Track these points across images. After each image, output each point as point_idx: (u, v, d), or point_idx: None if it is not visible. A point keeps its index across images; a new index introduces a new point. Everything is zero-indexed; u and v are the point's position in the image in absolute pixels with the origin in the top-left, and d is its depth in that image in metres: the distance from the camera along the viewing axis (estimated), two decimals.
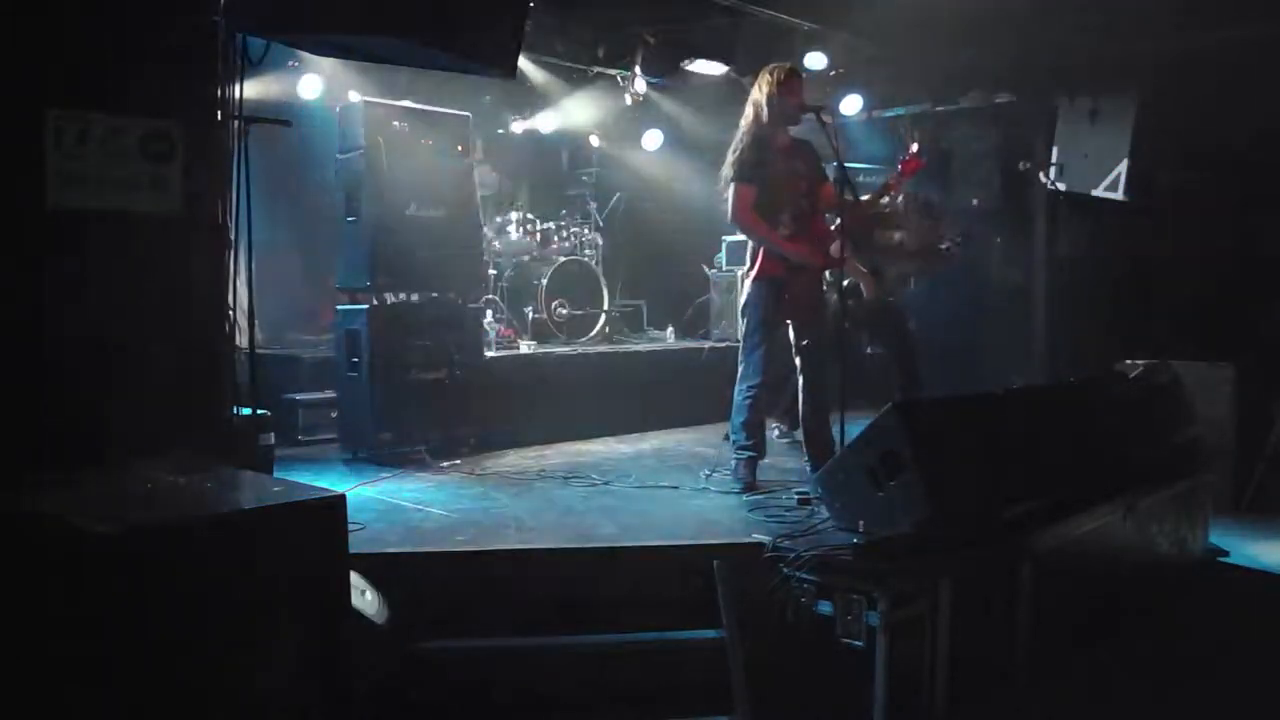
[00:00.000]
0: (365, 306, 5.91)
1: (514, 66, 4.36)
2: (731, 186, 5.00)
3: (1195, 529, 5.40)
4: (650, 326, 9.07)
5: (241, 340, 4.42)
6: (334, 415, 6.33)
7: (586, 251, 8.35)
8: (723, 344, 7.80)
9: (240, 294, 4.21)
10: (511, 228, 8.00)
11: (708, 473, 5.35)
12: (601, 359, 7.33)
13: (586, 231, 8.51)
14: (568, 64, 8.24)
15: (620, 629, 3.73)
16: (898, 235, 6.39)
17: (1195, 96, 6.87)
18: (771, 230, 5.01)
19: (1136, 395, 5.54)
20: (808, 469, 5.16)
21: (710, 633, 3.70)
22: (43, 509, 2.76)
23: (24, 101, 3.43)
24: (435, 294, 6.19)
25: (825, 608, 3.52)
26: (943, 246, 6.74)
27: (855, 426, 4.46)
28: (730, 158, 5.04)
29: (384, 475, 5.44)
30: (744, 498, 4.88)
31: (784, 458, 5.90)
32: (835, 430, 4.86)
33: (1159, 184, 7.23)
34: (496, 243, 7.79)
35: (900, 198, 5.94)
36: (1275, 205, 6.69)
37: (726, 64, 8.09)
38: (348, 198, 6.07)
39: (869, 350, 7.13)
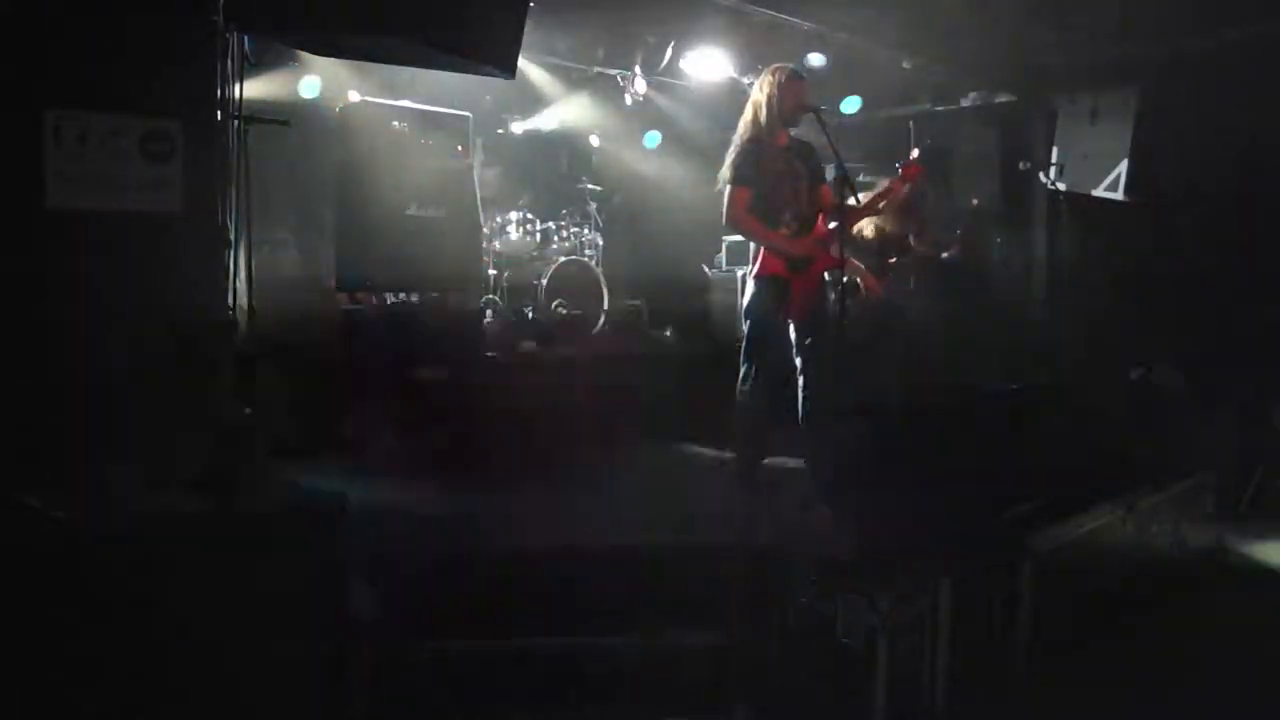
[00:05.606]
0: (365, 306, 5.91)
1: (514, 66, 4.37)
2: (727, 189, 4.99)
3: (1195, 529, 5.40)
4: (650, 327, 9.06)
5: (241, 340, 4.42)
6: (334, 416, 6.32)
7: (586, 251, 8.34)
8: (723, 344, 7.79)
9: (240, 294, 4.21)
10: (511, 228, 7.99)
11: (709, 473, 5.34)
12: (601, 359, 7.31)
13: (586, 231, 8.50)
14: (568, 64, 8.24)
15: (621, 629, 3.72)
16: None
17: (1195, 97, 6.87)
18: (767, 229, 5.00)
19: (1136, 395, 5.55)
20: (808, 469, 5.16)
21: (710, 633, 3.70)
22: (42, 508, 2.76)
23: (24, 101, 3.43)
24: (435, 294, 6.19)
25: (825, 608, 3.52)
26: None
27: (855, 427, 4.46)
28: (728, 159, 5.03)
29: (383, 475, 5.43)
30: (744, 498, 4.87)
31: (784, 458, 5.89)
32: (835, 430, 4.86)
33: (1159, 184, 7.23)
34: (496, 243, 7.78)
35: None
36: (1275, 205, 6.69)
37: (726, 64, 8.09)
38: (348, 198, 6.07)
39: (869, 350, 7.12)
